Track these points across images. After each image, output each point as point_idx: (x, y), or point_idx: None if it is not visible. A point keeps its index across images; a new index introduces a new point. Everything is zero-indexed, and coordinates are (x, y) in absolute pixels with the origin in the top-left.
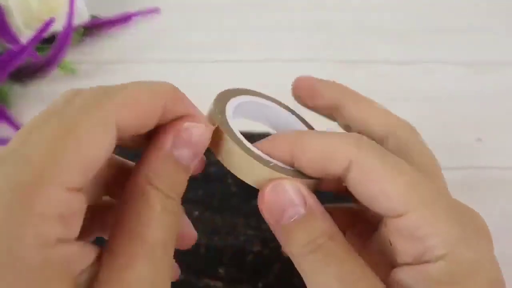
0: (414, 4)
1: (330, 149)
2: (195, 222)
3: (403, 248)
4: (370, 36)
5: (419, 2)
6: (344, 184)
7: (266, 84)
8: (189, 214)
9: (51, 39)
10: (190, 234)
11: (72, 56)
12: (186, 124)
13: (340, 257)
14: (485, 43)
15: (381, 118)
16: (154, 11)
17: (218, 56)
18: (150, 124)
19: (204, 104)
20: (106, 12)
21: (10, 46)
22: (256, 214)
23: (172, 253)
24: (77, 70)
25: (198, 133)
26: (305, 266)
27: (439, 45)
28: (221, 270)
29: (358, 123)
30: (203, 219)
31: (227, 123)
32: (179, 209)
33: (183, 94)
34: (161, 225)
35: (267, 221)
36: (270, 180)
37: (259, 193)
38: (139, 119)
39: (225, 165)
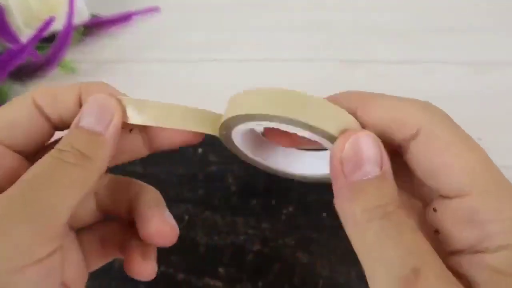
0: (414, 4)
1: (401, 111)
2: (195, 222)
3: (458, 234)
4: (370, 36)
5: (419, 2)
6: (404, 154)
7: (266, 84)
8: (189, 214)
9: (51, 38)
10: (167, 228)
11: (72, 55)
12: (90, 98)
13: (411, 227)
14: (485, 43)
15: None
16: (154, 10)
17: (218, 56)
18: (69, 114)
19: (204, 104)
20: (106, 11)
21: (10, 45)
22: (256, 213)
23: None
24: (77, 69)
25: (101, 101)
26: (369, 234)
27: (439, 45)
28: (221, 270)
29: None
30: (203, 219)
31: None
32: (93, 168)
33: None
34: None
35: (334, 175)
36: (350, 130)
37: (336, 142)
38: (57, 103)
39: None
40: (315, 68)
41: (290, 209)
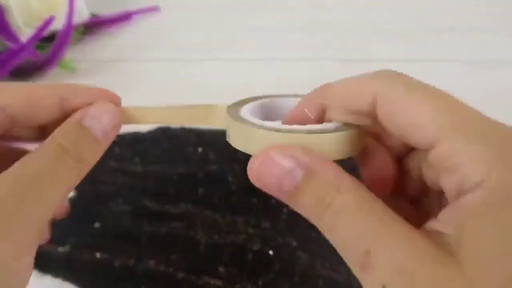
0: (415, 4)
1: (354, 87)
2: (195, 221)
3: (443, 185)
4: (370, 36)
5: (419, 2)
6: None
7: (266, 83)
8: (189, 213)
9: (51, 38)
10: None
11: (72, 54)
12: (96, 104)
13: (356, 206)
14: (485, 42)
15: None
16: (154, 10)
17: (218, 55)
18: (46, 113)
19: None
20: (106, 10)
21: (10, 44)
22: (256, 212)
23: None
24: (77, 68)
25: (111, 112)
26: (323, 227)
27: (440, 44)
28: (221, 269)
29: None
30: (203, 218)
31: (236, 111)
32: (78, 170)
33: (89, 89)
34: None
35: (276, 195)
36: (263, 150)
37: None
38: (33, 106)
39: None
40: (315, 68)
41: (291, 208)
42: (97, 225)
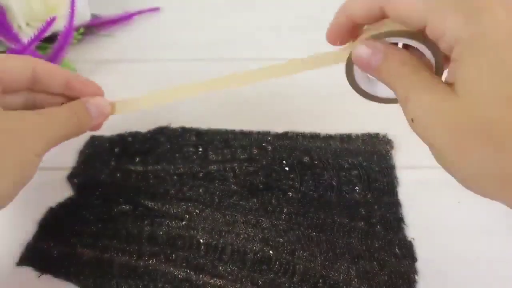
0: None
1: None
2: (195, 220)
3: (445, 52)
4: None
5: None
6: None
7: (266, 83)
8: (189, 212)
9: (52, 38)
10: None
11: (73, 55)
12: (98, 97)
13: (412, 67)
14: None
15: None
16: (154, 10)
17: (218, 55)
18: (15, 81)
19: (203, 103)
20: (107, 11)
21: (11, 45)
22: (256, 212)
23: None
24: (78, 69)
25: (102, 103)
26: (395, 83)
27: None
28: (221, 268)
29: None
30: (204, 217)
31: None
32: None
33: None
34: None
35: (368, 72)
36: (361, 42)
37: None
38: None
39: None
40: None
41: (290, 208)
42: (97, 225)
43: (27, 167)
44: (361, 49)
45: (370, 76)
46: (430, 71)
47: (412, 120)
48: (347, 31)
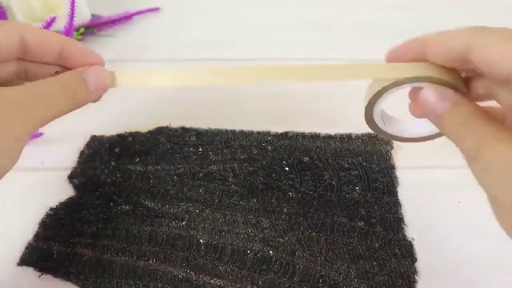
0: (415, 4)
1: (449, 37)
2: (196, 220)
3: None
4: (372, 35)
5: (421, 2)
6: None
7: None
8: (189, 212)
9: None
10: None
11: None
12: (96, 66)
13: (477, 122)
14: None
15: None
16: (154, 10)
17: (218, 55)
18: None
19: (203, 103)
20: (107, 11)
21: None
22: (256, 212)
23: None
24: None
25: (102, 73)
26: (464, 133)
27: None
28: (221, 268)
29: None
30: (204, 217)
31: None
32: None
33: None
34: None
35: (429, 117)
36: (427, 86)
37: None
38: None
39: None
40: None
41: (290, 208)
42: (97, 225)
43: (4, 156)
44: (430, 93)
45: (386, 114)
46: (499, 122)
47: (482, 172)
48: (410, 59)
